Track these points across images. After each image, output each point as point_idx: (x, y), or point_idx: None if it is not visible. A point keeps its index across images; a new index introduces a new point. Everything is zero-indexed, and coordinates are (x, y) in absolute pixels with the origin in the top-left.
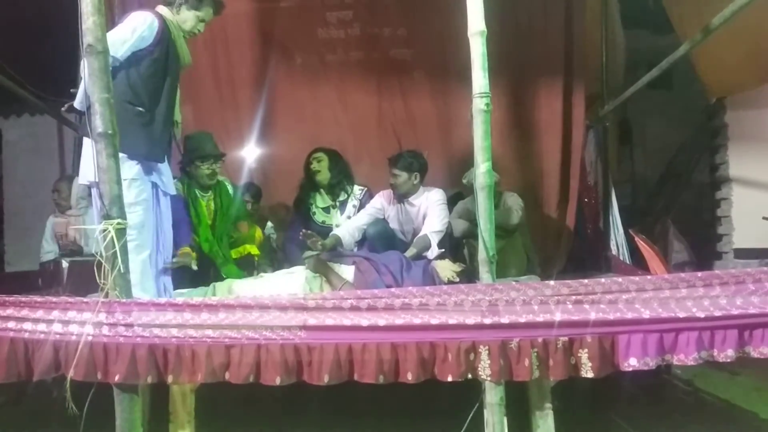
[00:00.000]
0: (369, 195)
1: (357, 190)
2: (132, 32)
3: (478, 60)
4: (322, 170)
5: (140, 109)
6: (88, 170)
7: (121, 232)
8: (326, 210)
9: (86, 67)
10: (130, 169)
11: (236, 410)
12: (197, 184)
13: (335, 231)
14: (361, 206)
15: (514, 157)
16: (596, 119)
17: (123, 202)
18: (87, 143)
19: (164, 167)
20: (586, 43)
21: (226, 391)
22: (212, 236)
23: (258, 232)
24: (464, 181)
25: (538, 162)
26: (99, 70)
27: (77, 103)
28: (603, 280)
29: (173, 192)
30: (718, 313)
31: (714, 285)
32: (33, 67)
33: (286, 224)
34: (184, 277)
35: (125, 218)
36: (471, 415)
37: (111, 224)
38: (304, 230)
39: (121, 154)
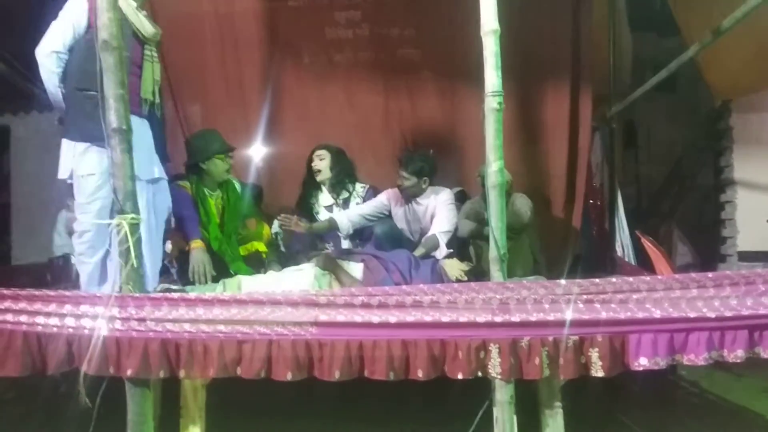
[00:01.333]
0: (373, 193)
1: (359, 188)
2: (66, 21)
3: (491, 59)
4: (323, 169)
5: (92, 92)
6: (65, 167)
7: (135, 227)
8: (329, 208)
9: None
10: (87, 163)
11: (247, 406)
12: (208, 181)
13: (335, 216)
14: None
15: (521, 158)
16: (603, 121)
17: (137, 197)
18: (64, 143)
19: (144, 154)
20: (593, 44)
21: (237, 387)
22: (221, 234)
23: (266, 230)
24: (478, 177)
25: (544, 163)
26: (113, 66)
27: (55, 104)
28: (614, 279)
29: (157, 175)
30: (728, 314)
31: (724, 285)
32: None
33: None
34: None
35: (139, 213)
36: (480, 413)
37: (125, 219)
38: (282, 215)
39: (79, 146)
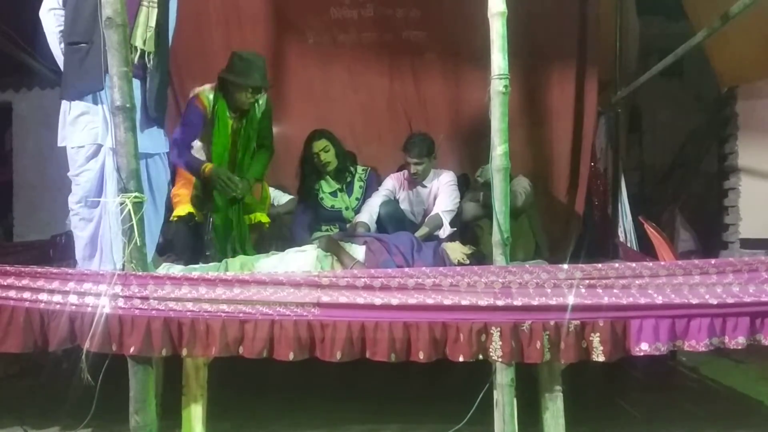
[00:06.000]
0: (374, 175)
1: (360, 170)
2: None
3: (497, 41)
4: (332, 160)
5: (82, 44)
6: (62, 135)
7: (138, 205)
8: (333, 194)
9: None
10: (76, 135)
11: (248, 385)
12: (231, 102)
13: (361, 218)
14: (368, 186)
15: (526, 142)
16: (608, 106)
17: (140, 176)
18: (64, 105)
19: (148, 131)
20: (600, 28)
21: (239, 366)
22: (228, 159)
23: (267, 196)
24: (478, 177)
25: (549, 147)
26: (117, 43)
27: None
28: (617, 264)
29: (158, 149)
30: (730, 300)
31: (727, 272)
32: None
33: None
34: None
35: (143, 192)
36: (481, 395)
37: (128, 197)
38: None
39: (72, 110)
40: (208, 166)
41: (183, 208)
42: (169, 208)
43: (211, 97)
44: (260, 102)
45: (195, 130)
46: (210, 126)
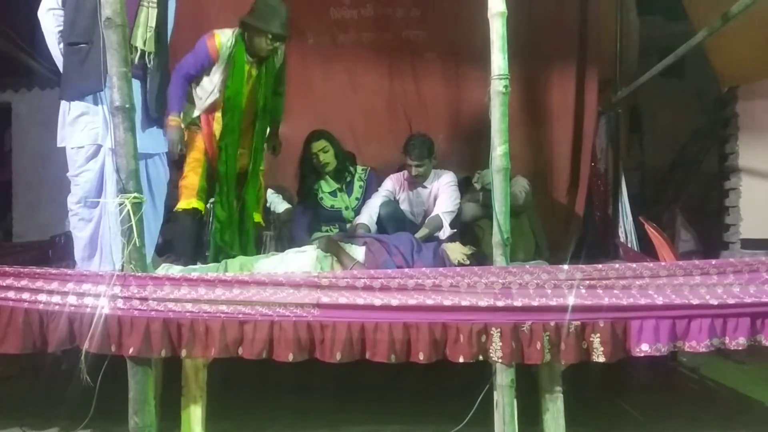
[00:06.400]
0: (374, 175)
1: (360, 170)
2: None
3: (497, 41)
4: (331, 161)
5: (81, 45)
6: (61, 135)
7: (137, 206)
8: (333, 194)
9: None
10: (76, 135)
11: (248, 385)
12: (250, 48)
13: (361, 220)
14: (367, 186)
15: (526, 142)
16: (608, 106)
17: (139, 176)
18: (63, 106)
19: (149, 131)
20: (600, 28)
21: (239, 367)
22: (239, 105)
23: (262, 196)
24: (475, 183)
25: (549, 147)
26: (117, 44)
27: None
28: (617, 265)
29: (158, 149)
30: (731, 301)
31: (728, 273)
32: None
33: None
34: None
35: (141, 192)
36: (481, 396)
37: (127, 198)
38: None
39: (72, 111)
40: (172, 119)
41: (188, 202)
42: (169, 208)
43: (226, 40)
44: (279, 52)
45: (194, 68)
46: (226, 69)
